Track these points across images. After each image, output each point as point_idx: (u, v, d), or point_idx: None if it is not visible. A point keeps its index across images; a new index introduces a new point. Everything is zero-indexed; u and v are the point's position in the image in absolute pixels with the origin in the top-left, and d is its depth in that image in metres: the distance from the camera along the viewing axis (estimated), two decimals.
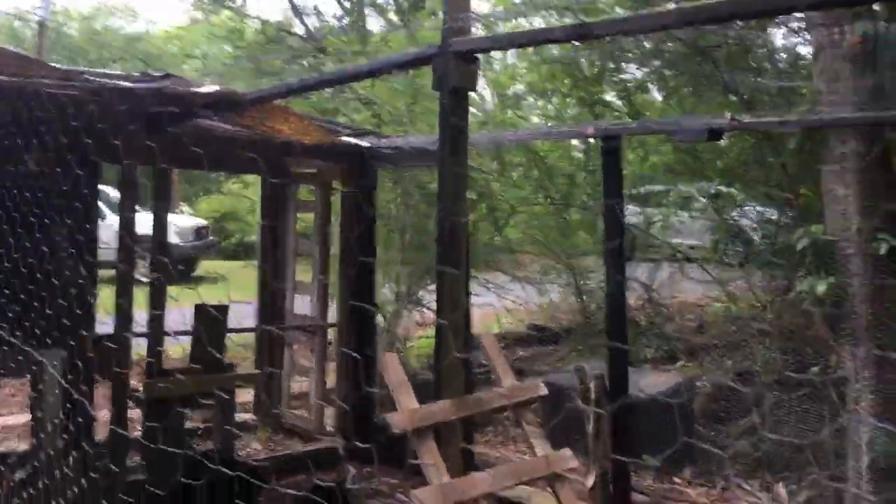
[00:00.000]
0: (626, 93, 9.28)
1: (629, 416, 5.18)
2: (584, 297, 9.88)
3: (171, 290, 5.19)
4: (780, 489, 5.52)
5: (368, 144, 6.32)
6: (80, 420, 4.96)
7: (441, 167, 2.97)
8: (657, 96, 9.92)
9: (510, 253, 9.92)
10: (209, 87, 4.51)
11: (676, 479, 5.97)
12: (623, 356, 5.15)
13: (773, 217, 8.08)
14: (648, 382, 6.47)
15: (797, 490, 5.46)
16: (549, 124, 10.78)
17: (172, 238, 12.13)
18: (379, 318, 8.02)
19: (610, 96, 9.74)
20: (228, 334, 6.08)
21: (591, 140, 8.72)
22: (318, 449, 6.47)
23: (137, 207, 4.90)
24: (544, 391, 3.57)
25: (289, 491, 4.81)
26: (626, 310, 5.07)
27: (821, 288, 4.89)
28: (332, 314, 7.05)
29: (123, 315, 4.97)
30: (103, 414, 5.93)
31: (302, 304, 7.33)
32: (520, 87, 11.47)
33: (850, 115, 4.69)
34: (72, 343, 4.85)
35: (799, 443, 5.56)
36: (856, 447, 4.76)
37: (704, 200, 9.09)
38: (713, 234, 9.60)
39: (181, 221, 17.39)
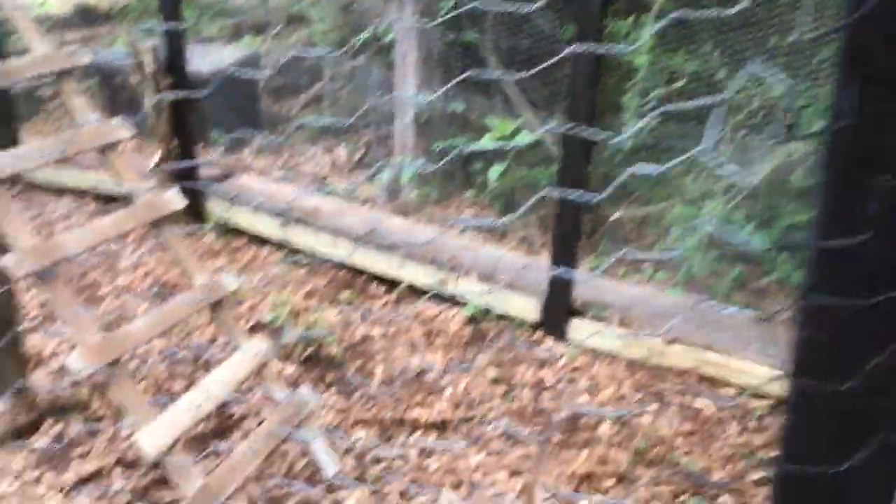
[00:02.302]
0: None
1: (192, 90, 5.04)
2: None
3: None
4: (341, 150, 5.94)
5: None
6: None
7: None
8: None
9: None
10: None
11: (246, 151, 6.10)
12: (178, 30, 4.88)
13: None
14: (213, 58, 6.28)
15: (355, 149, 5.93)
16: None
17: None
18: None
19: None
20: None
21: None
22: None
23: None
24: (86, 59, 3.25)
25: None
26: None
27: None
28: None
29: None
30: None
31: None
32: None
33: None
34: None
35: (357, 107, 5.92)
36: (403, 105, 5.21)
37: None
38: None
39: None
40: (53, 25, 8.52)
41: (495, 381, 3.56)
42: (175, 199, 3.12)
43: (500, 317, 4.06)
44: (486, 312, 4.06)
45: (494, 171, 4.76)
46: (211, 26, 8.22)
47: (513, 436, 3.18)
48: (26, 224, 2.66)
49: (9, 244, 2.60)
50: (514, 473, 2.96)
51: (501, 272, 4.25)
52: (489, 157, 4.92)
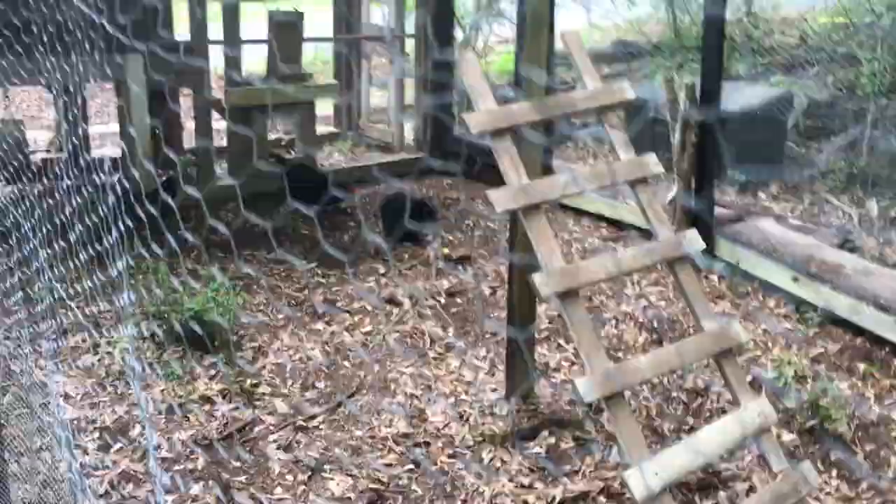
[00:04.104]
0: None
1: (718, 128, 4.96)
2: (676, 11, 9.23)
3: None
4: (873, 204, 5.34)
5: None
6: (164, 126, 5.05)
7: None
8: None
9: None
10: None
11: (761, 194, 5.84)
12: (716, 68, 4.83)
13: None
14: (741, 96, 6.14)
15: (890, 205, 5.28)
16: None
17: None
18: (458, 32, 7.72)
19: None
20: (305, 45, 5.94)
21: None
22: (399, 160, 6.53)
23: None
24: (631, 94, 3.36)
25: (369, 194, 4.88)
26: (723, 20, 4.66)
27: None
28: (410, 25, 6.80)
29: (198, 22, 4.86)
30: (189, 127, 6.04)
31: (378, 15, 7.10)
32: None
33: None
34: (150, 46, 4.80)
35: None
36: None
37: None
38: None
39: None
40: (593, 58, 9.16)
41: None
42: (695, 241, 3.07)
43: None
44: None
45: None
46: (739, 64, 8.07)
47: None
48: (557, 247, 2.83)
49: (540, 263, 2.80)
50: None
51: None
52: None
